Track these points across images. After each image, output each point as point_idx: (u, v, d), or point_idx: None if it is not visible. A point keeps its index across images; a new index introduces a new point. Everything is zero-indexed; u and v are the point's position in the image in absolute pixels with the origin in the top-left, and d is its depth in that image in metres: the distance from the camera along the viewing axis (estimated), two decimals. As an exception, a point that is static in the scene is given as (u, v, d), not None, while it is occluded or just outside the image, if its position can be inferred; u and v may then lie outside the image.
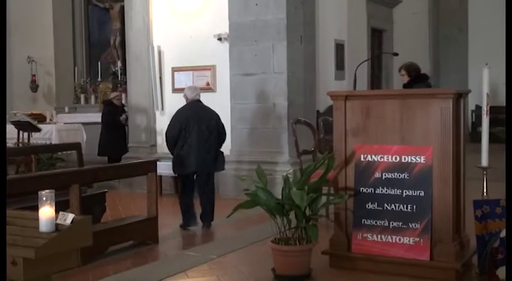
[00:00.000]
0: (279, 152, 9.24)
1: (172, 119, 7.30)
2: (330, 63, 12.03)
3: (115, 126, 10.80)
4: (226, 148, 9.70)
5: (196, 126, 7.13)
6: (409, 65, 7.87)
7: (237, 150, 9.65)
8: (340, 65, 12.40)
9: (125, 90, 11.81)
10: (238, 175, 9.00)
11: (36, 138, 10.72)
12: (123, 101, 11.66)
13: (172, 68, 10.55)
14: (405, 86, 7.73)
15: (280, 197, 5.04)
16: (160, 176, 9.53)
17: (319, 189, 5.10)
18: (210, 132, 7.18)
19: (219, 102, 9.99)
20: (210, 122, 7.20)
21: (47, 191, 3.18)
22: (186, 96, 7.44)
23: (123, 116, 10.83)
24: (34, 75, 13.39)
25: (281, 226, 4.94)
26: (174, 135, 7.15)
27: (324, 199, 5.11)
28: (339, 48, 12.39)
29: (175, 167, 7.20)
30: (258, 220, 7.38)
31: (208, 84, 10.18)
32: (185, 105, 7.39)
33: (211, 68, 10.09)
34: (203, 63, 10.14)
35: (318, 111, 10.60)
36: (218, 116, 7.35)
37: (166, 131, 7.29)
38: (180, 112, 7.26)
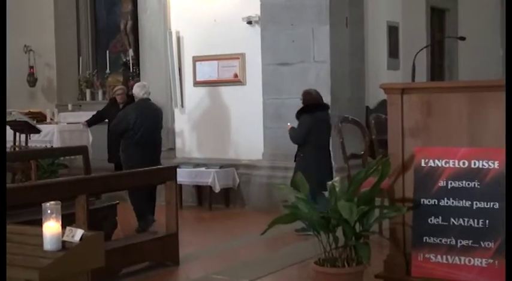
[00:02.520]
0: (322, 157, 9.20)
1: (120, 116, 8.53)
2: (381, 50, 11.96)
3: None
4: (258, 152, 9.76)
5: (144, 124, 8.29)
6: (305, 93, 8.20)
7: (271, 154, 9.66)
8: (393, 52, 12.32)
9: (138, 84, 11.89)
10: (272, 184, 9.02)
11: (35, 141, 10.84)
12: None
13: (194, 57, 10.60)
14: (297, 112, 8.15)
15: (324, 210, 5.02)
16: (180, 185, 9.58)
17: (371, 200, 5.07)
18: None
19: (249, 98, 10.04)
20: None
21: (52, 202, 3.21)
22: (134, 95, 8.59)
23: None
24: (32, 67, 13.54)
25: (326, 244, 4.92)
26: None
27: (377, 212, 5.08)
28: (392, 32, 12.31)
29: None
30: (297, 237, 7.38)
31: (236, 76, 10.21)
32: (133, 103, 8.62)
33: (240, 57, 10.12)
34: (230, 52, 10.18)
35: (367, 107, 10.54)
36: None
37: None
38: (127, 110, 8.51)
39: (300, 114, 8.09)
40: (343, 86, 9.45)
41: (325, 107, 8.20)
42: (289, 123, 8.25)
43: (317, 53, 9.27)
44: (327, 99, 9.22)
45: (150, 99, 8.65)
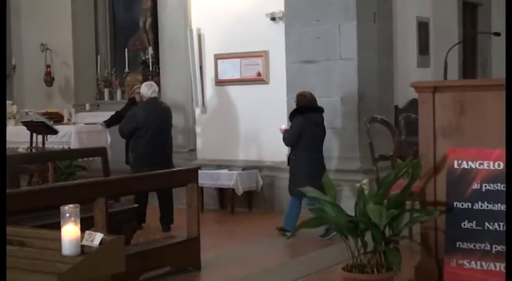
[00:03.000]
0: (349, 158, 9.20)
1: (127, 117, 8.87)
2: (411, 47, 11.88)
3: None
4: (282, 153, 9.75)
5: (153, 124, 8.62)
6: (299, 95, 8.48)
7: (296, 155, 9.63)
8: (423, 48, 12.24)
9: (158, 83, 11.91)
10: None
11: (52, 142, 10.91)
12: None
13: (215, 55, 10.61)
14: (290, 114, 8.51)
15: (352, 213, 5.00)
16: (202, 188, 9.59)
17: (402, 204, 5.05)
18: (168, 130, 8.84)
19: (273, 97, 10.03)
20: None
21: (70, 205, 3.22)
22: (142, 94, 8.96)
23: None
24: (49, 66, 13.65)
25: (354, 249, 4.90)
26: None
27: (407, 216, 5.05)
28: (422, 27, 12.23)
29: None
30: (324, 242, 7.36)
31: (259, 74, 10.20)
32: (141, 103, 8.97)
33: (263, 55, 10.11)
34: (253, 49, 10.17)
35: (396, 106, 10.48)
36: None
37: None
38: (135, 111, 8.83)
39: (292, 116, 8.32)
40: (370, 85, 9.40)
41: (319, 109, 8.38)
42: (283, 126, 8.48)
43: (343, 50, 9.23)
44: (353, 98, 9.21)
45: (158, 98, 9.00)
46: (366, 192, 5.02)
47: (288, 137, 8.26)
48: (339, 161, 9.24)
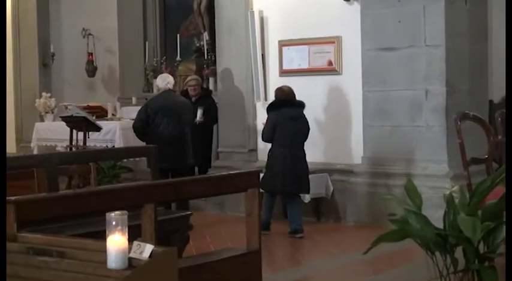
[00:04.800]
0: (435, 161, 9.10)
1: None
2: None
3: (190, 126, 10.84)
4: (356, 154, 9.67)
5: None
6: (277, 89, 9.42)
7: (372, 157, 9.58)
8: (523, 34, 11.99)
9: (214, 73, 11.96)
10: (375, 193, 8.93)
11: (94, 140, 11.05)
12: (211, 88, 11.81)
13: (280, 42, 10.61)
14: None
15: (440, 225, 4.92)
16: (263, 194, 9.56)
17: (499, 215, 4.92)
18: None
19: (346, 90, 9.98)
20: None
21: (117, 212, 3.22)
22: (158, 87, 9.81)
23: (199, 112, 10.82)
24: (91, 54, 13.84)
25: (442, 267, 4.82)
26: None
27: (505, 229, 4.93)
28: (522, 9, 11.99)
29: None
30: (407, 258, 7.28)
31: (330, 63, 10.16)
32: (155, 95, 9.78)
33: (335, 41, 10.08)
34: (323, 34, 10.14)
35: (491, 101, 10.29)
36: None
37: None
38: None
39: (268, 111, 9.19)
40: (461, 76, 9.26)
41: (295, 104, 9.12)
42: (264, 121, 9.40)
43: (429, 35, 9.12)
44: (441, 91, 9.09)
45: (174, 91, 9.71)
46: (457, 201, 4.93)
47: (263, 133, 9.22)
48: (423, 165, 9.14)
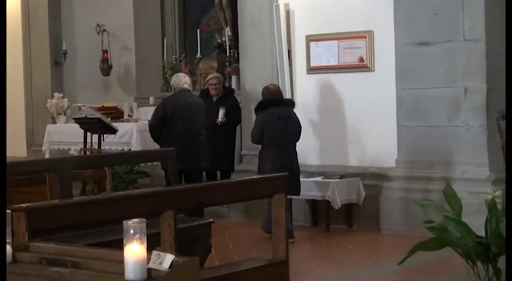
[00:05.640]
0: (476, 164, 9.07)
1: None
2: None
3: (211, 127, 10.83)
4: (390, 157, 9.64)
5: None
6: (264, 88, 9.63)
7: (408, 160, 9.56)
8: None
9: (236, 71, 11.96)
10: (411, 199, 8.89)
11: (110, 143, 11.08)
12: (233, 87, 11.81)
13: (307, 36, 10.61)
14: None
15: (481, 233, 4.89)
16: (290, 200, 9.56)
17: (546, 222, 4.89)
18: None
19: (379, 88, 9.95)
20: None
21: (135, 220, 3.22)
22: (173, 86, 10.05)
23: (220, 112, 10.83)
24: (106, 52, 13.87)
25: (484, 278, 4.80)
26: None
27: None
28: None
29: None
30: (445, 268, 7.24)
31: (361, 60, 10.15)
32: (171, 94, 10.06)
33: (367, 36, 10.07)
34: (354, 29, 10.14)
35: (534, 99, 10.24)
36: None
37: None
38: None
39: (256, 111, 9.48)
40: (503, 72, 9.17)
41: (283, 102, 9.39)
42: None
43: (468, 29, 9.08)
44: (481, 89, 9.04)
45: (190, 91, 10.03)
46: (499, 207, 4.90)
47: (251, 134, 9.46)
48: (462, 168, 9.10)
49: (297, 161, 9.35)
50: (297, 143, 9.50)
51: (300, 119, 10.19)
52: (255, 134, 9.34)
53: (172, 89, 10.25)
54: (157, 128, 9.81)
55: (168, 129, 9.63)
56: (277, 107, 9.24)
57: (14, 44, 13.97)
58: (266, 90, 9.51)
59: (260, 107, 9.37)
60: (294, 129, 9.34)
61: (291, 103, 9.51)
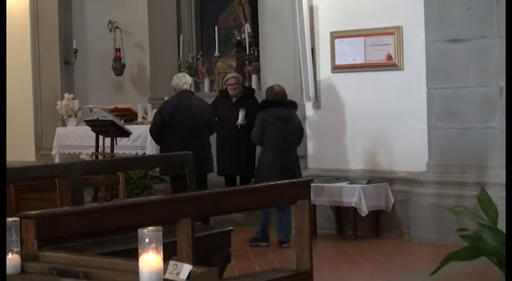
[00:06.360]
0: (512, 168, 8.98)
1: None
2: None
3: (231, 130, 10.83)
4: (420, 161, 9.60)
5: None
6: (267, 88, 10.01)
7: (439, 163, 9.55)
8: None
9: (257, 70, 11.96)
10: (443, 205, 8.85)
11: (123, 147, 11.12)
12: (253, 87, 11.81)
13: (332, 33, 10.60)
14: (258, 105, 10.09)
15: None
16: (314, 206, 9.57)
17: None
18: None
19: (408, 87, 9.93)
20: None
21: (151, 228, 3.22)
22: (174, 86, 10.19)
23: (240, 113, 10.87)
24: (118, 50, 13.90)
25: (522, 290, 4.75)
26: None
27: None
28: None
29: None
30: (480, 279, 7.23)
31: (389, 58, 10.13)
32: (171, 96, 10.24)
33: (395, 32, 10.05)
34: (381, 24, 10.13)
35: None
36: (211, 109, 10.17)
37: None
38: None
39: (257, 111, 9.76)
40: (540, 70, 9.15)
41: (284, 104, 9.61)
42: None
43: (503, 24, 9.02)
44: (518, 88, 9.01)
45: (192, 92, 10.16)
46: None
47: (251, 134, 9.69)
48: (497, 172, 9.03)
49: (298, 164, 9.61)
50: (320, 147, 9.53)
51: (322, 121, 10.25)
52: (255, 135, 9.62)
53: (174, 90, 10.34)
54: (156, 133, 10.04)
55: (166, 134, 9.84)
56: (277, 108, 9.50)
57: (21, 41, 14.06)
58: (269, 90, 9.80)
59: (261, 107, 9.67)
60: (294, 131, 9.59)
61: (293, 105, 9.72)
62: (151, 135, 10.25)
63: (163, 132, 9.88)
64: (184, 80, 10.09)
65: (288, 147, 9.52)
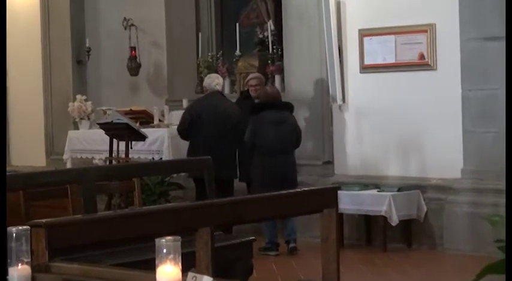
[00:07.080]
0: (552, 175, 8.94)
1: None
2: None
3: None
4: (455, 167, 9.57)
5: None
6: (261, 89, 10.34)
7: (475, 170, 9.53)
8: None
9: (280, 70, 11.95)
10: (479, 214, 8.82)
11: (139, 152, 11.13)
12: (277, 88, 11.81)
13: (360, 31, 10.61)
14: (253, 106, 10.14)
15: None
16: (341, 215, 9.55)
17: None
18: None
19: (442, 88, 9.90)
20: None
21: (169, 238, 3.22)
22: (205, 87, 10.46)
23: None
24: (134, 49, 13.93)
25: None
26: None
27: None
28: None
29: None
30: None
31: (422, 57, 10.11)
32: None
33: (428, 30, 10.04)
34: (413, 22, 10.13)
35: None
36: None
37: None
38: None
39: (250, 114, 9.86)
40: None
41: (277, 106, 9.73)
42: None
43: (544, 21, 9.00)
44: (559, 89, 8.96)
45: (221, 93, 10.33)
46: None
47: (244, 138, 9.81)
48: (537, 179, 9.00)
49: (294, 169, 9.73)
50: (348, 152, 9.50)
51: (350, 124, 10.16)
52: (247, 139, 9.76)
53: (205, 91, 10.54)
54: (184, 132, 10.21)
55: (194, 135, 10.03)
56: (269, 111, 9.60)
57: (31, 40, 14.12)
58: (263, 92, 10.02)
59: (253, 111, 9.77)
60: (287, 135, 9.66)
61: (288, 107, 9.80)
62: (178, 134, 10.39)
63: (191, 132, 10.05)
64: (217, 81, 10.31)
65: (281, 151, 9.59)
